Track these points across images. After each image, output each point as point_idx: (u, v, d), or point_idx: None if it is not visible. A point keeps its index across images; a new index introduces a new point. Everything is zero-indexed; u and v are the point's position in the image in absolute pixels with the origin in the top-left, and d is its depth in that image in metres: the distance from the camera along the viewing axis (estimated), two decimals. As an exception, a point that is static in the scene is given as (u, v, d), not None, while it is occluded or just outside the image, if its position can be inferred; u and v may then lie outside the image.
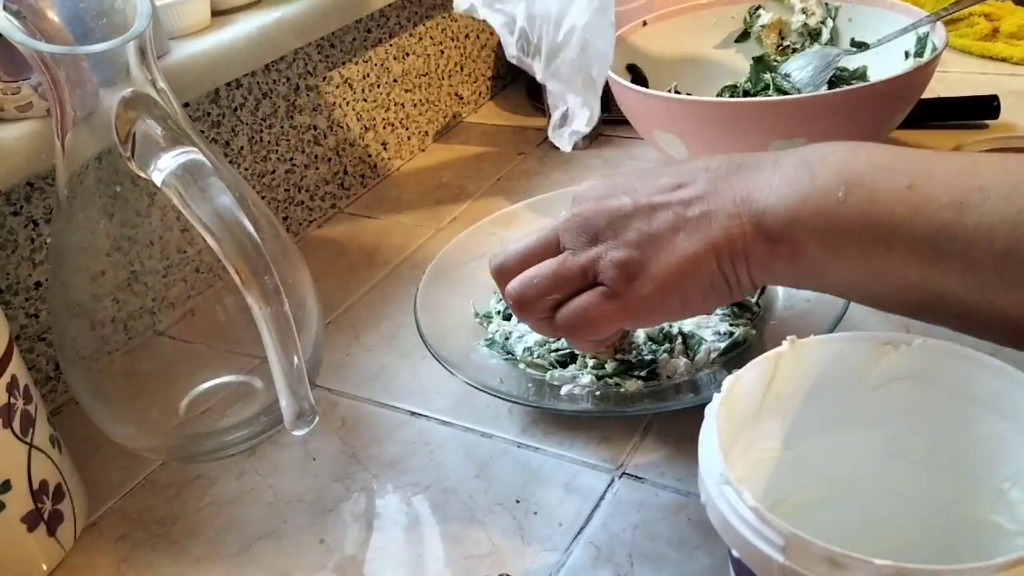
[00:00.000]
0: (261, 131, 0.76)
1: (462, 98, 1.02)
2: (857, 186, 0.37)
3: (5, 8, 0.45)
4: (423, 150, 0.96)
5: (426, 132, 0.97)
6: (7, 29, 0.45)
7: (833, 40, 0.84)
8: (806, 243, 0.39)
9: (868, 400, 0.39)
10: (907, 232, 0.36)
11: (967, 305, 0.37)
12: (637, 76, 0.83)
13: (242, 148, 0.75)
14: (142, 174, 0.47)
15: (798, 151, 0.41)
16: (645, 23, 0.83)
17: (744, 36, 0.87)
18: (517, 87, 1.09)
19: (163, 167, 0.45)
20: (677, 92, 0.84)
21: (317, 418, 0.50)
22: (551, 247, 0.46)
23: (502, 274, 0.48)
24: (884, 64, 0.78)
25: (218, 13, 0.71)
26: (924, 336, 0.37)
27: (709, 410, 0.36)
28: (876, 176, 0.37)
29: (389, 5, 0.86)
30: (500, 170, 0.89)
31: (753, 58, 0.81)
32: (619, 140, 0.91)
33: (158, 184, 0.45)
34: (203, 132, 0.71)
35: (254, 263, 0.44)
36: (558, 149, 0.91)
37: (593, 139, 0.92)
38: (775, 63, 0.82)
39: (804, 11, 0.84)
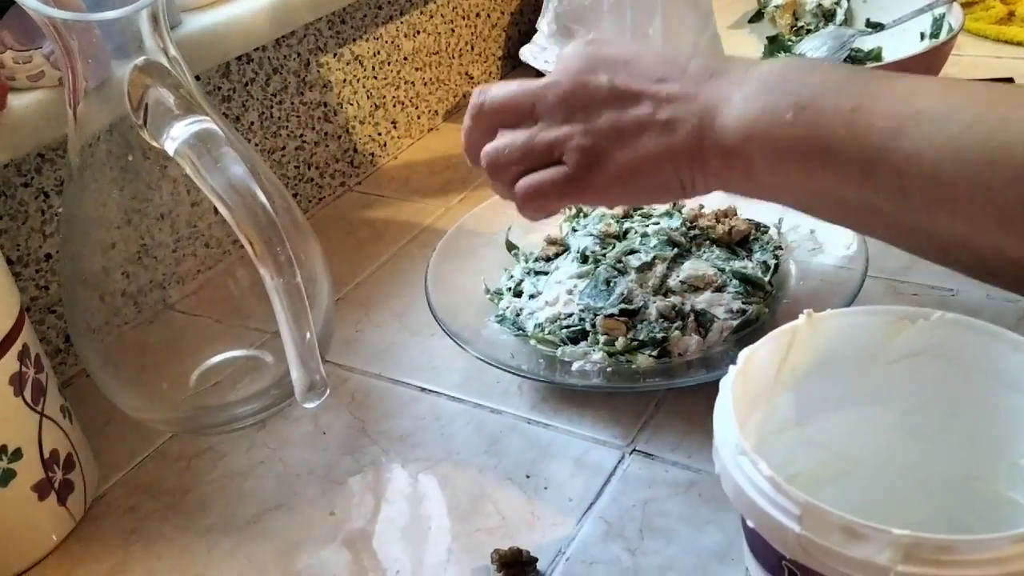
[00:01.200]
0: (271, 107, 0.76)
1: (472, 77, 1.01)
2: (805, 107, 0.39)
3: (18, -25, 0.45)
4: (433, 129, 0.96)
5: (436, 111, 0.96)
6: (20, -5, 0.45)
7: (848, 20, 0.83)
8: (757, 160, 0.40)
9: (883, 375, 0.39)
10: (844, 154, 0.38)
11: (902, 225, 0.40)
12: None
13: (252, 124, 0.74)
14: (155, 143, 0.46)
15: (764, 65, 0.42)
16: None
17: (758, 16, 0.86)
18: (527, 68, 1.08)
19: (176, 136, 0.45)
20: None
21: (328, 391, 0.50)
22: (526, 106, 0.47)
23: (479, 112, 0.50)
24: (899, 45, 0.78)
25: (229, -14, 0.70)
26: (942, 311, 0.37)
27: (724, 382, 0.36)
28: (824, 97, 0.39)
29: (401, -19, 0.86)
30: (510, 150, 0.88)
31: (767, 38, 0.81)
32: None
33: (171, 153, 0.45)
34: (213, 107, 0.70)
35: (267, 234, 0.44)
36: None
37: (604, 119, 0.91)
38: (789, 43, 0.81)
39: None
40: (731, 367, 0.36)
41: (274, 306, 0.46)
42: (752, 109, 0.40)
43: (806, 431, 0.40)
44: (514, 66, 1.09)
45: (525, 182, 0.47)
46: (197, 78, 0.68)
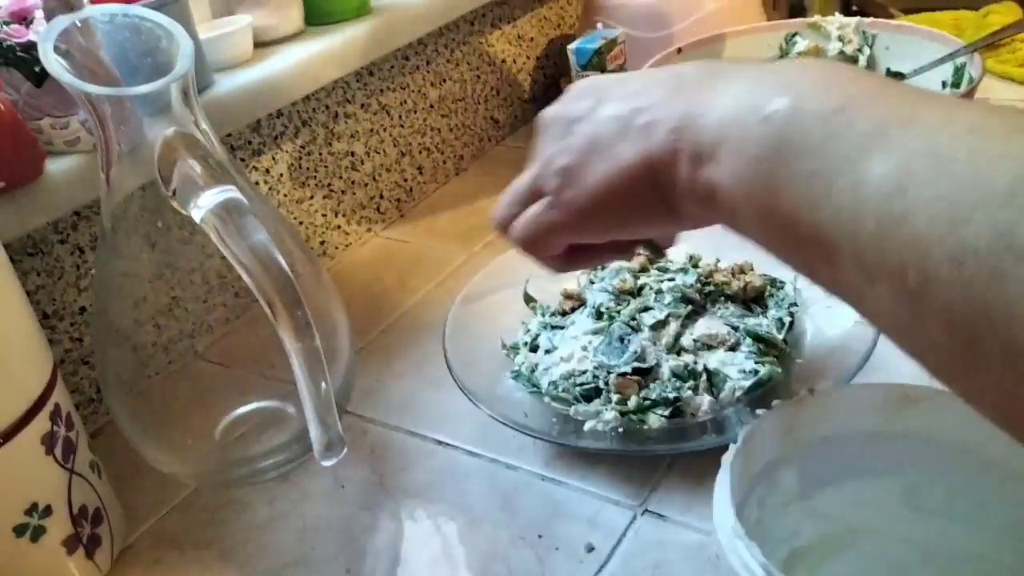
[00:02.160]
0: (300, 158, 0.78)
1: (498, 122, 1.03)
2: (784, 106, 0.31)
3: (55, 49, 0.47)
4: (458, 174, 0.98)
5: (461, 156, 0.98)
6: (56, 71, 0.47)
7: (870, 68, 0.83)
8: (726, 172, 0.33)
9: (888, 449, 0.39)
10: (808, 164, 0.29)
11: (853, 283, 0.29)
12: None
13: (281, 175, 0.77)
14: (183, 211, 0.48)
15: (778, 63, 0.36)
16: (680, 50, 0.83)
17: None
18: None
19: (202, 205, 0.47)
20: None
21: (345, 449, 0.51)
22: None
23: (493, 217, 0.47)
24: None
25: (260, 45, 0.73)
26: (943, 389, 0.37)
27: (724, 460, 0.36)
28: (811, 98, 0.31)
29: (428, 33, 0.88)
30: (534, 195, 0.90)
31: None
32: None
33: (197, 221, 0.47)
34: (243, 160, 0.73)
35: (287, 299, 0.46)
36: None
37: (627, 165, 0.92)
38: None
39: (841, 39, 0.84)
40: (731, 445, 0.37)
41: (293, 368, 0.48)
42: (732, 106, 0.33)
43: (810, 504, 0.41)
44: (539, 109, 1.10)
45: (515, 224, 0.44)
46: (228, 134, 0.71)
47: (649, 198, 0.37)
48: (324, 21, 0.76)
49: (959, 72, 0.75)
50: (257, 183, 0.74)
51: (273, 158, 0.75)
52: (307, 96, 0.77)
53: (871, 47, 0.83)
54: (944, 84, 0.77)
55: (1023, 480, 0.36)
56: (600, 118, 0.38)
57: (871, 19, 0.83)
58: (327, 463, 0.51)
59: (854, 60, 0.84)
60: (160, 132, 0.49)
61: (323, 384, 0.49)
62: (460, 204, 0.92)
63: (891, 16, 1.15)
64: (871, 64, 0.83)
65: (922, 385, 0.37)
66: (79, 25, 0.51)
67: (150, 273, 0.63)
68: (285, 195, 0.77)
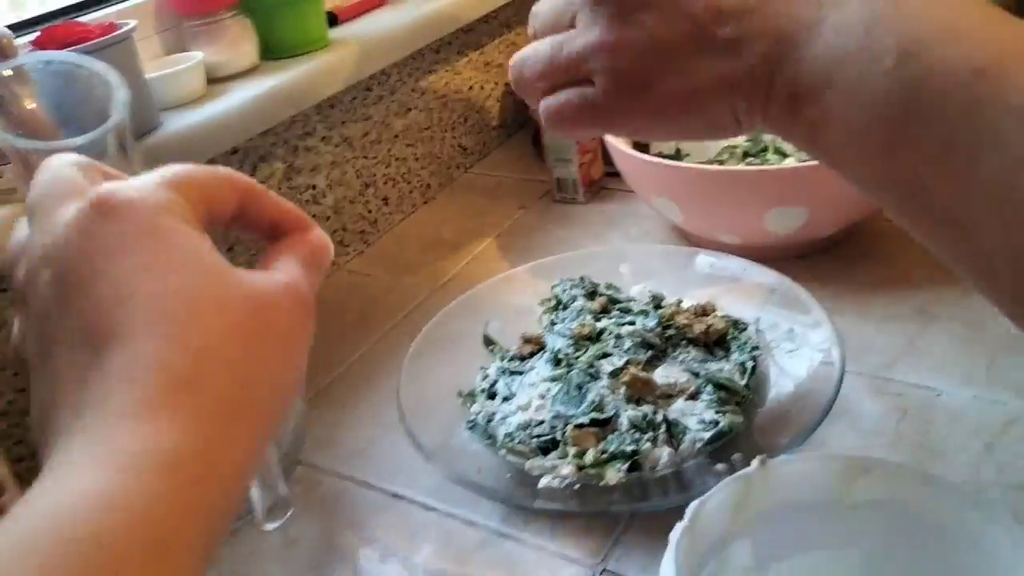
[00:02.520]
0: (257, 194, 0.76)
1: (466, 149, 1.01)
2: (912, 55, 0.28)
3: (-15, 100, 0.46)
4: (426, 203, 0.96)
5: (428, 185, 0.96)
6: (-17, 124, 0.45)
7: None
8: (834, 117, 0.30)
9: (844, 520, 0.38)
10: (949, 136, 0.27)
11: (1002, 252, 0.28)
12: (637, 136, 0.82)
13: (237, 212, 0.75)
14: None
15: None
16: None
17: None
18: (523, 136, 1.08)
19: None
20: (677, 150, 0.83)
21: (291, 511, 0.49)
22: (568, 14, 0.37)
23: (532, 16, 0.40)
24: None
25: (214, 81, 0.71)
26: (899, 462, 0.36)
27: (672, 537, 0.35)
28: (942, 49, 0.27)
29: (393, 64, 0.86)
30: (500, 225, 0.88)
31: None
32: (622, 194, 0.90)
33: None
34: (197, 199, 0.71)
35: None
36: (559, 203, 0.90)
37: (595, 193, 0.91)
38: None
39: None
40: (678, 524, 0.35)
41: (232, 432, 0.46)
42: (842, 45, 0.30)
43: None
44: (510, 135, 1.09)
45: (546, 105, 0.38)
46: (179, 173, 0.69)
47: (723, 120, 0.34)
48: (280, 56, 0.74)
49: None
50: (212, 222, 0.72)
51: (228, 196, 0.73)
52: (264, 131, 0.75)
53: None
54: None
55: (977, 558, 0.34)
56: (671, 14, 0.33)
57: None
58: (270, 527, 0.49)
59: None
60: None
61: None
62: (428, 233, 0.90)
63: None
64: None
65: (874, 456, 0.36)
66: (11, 74, 0.49)
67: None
68: (242, 233, 0.75)
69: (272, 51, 0.74)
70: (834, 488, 0.37)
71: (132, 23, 0.61)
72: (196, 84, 0.68)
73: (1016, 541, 0.32)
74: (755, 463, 0.37)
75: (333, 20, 0.82)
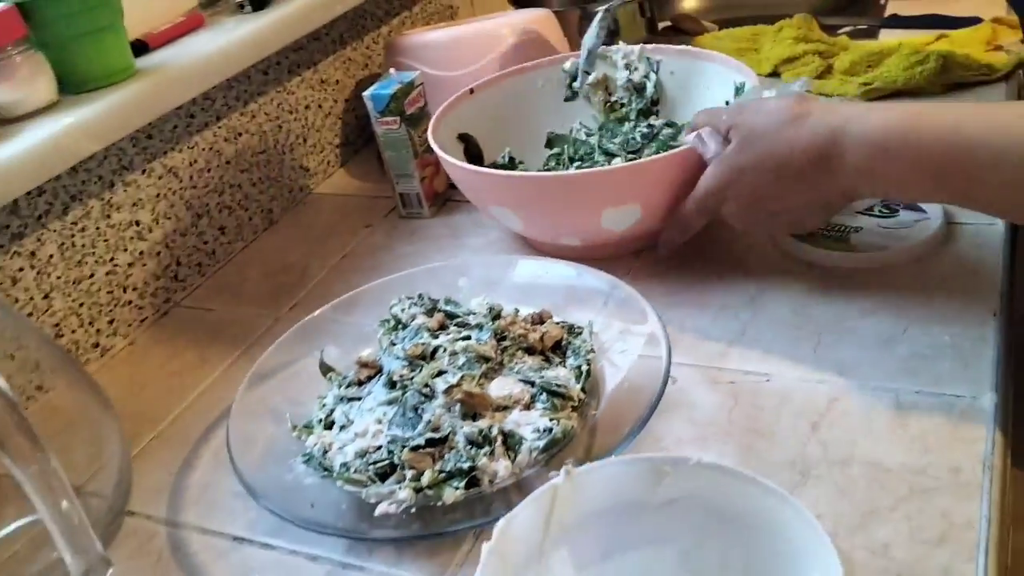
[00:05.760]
0: (73, 235, 0.72)
1: (308, 170, 0.99)
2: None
3: None
4: (267, 229, 0.93)
5: (270, 210, 0.93)
6: None
7: (658, 93, 0.84)
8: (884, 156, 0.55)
9: (655, 519, 0.38)
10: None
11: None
12: (469, 145, 0.82)
13: (51, 256, 0.70)
14: None
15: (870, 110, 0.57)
16: (472, 91, 0.82)
17: (573, 96, 0.87)
18: (369, 151, 1.06)
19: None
20: (511, 159, 0.84)
21: (111, 570, 0.46)
22: None
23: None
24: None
25: (8, 121, 0.66)
26: (698, 457, 0.36)
27: (481, 560, 0.34)
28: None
29: (214, 87, 0.83)
30: (346, 246, 0.86)
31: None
32: (466, 205, 0.89)
33: None
34: (2, 246, 0.66)
35: (3, 424, 0.41)
36: (405, 219, 0.89)
37: (440, 207, 0.90)
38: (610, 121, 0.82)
39: (628, 66, 0.84)
40: (484, 545, 0.34)
41: (29, 496, 0.43)
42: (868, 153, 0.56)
43: (589, 582, 0.39)
44: (356, 151, 1.07)
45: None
46: (-22, 220, 0.64)
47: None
48: (82, 89, 0.70)
49: (740, 90, 0.77)
50: (21, 268, 0.68)
51: (39, 239, 0.69)
52: (74, 169, 0.71)
53: (656, 73, 0.84)
54: (728, 103, 0.79)
55: (781, 543, 0.35)
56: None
57: (654, 45, 0.84)
58: (86, 591, 0.46)
59: (642, 87, 0.85)
60: None
61: (68, 505, 0.44)
62: (271, 260, 0.87)
63: (704, 30, 1.18)
64: (659, 89, 0.85)
65: (672, 456, 0.36)
66: None
67: None
68: (59, 277, 0.71)
69: (71, 86, 0.70)
70: (640, 490, 0.37)
71: (-101, 64, 0.56)
72: (-16, 126, 0.63)
73: (805, 522, 0.33)
74: (561, 473, 0.36)
75: (143, 48, 0.78)
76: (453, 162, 0.72)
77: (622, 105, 0.84)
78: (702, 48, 0.92)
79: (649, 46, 0.84)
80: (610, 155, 0.78)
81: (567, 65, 0.86)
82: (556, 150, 0.81)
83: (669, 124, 0.81)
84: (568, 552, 0.38)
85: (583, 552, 0.38)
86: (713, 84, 0.79)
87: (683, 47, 0.83)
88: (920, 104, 0.60)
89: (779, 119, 0.59)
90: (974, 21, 1.05)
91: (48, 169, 0.64)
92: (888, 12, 1.15)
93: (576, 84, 0.86)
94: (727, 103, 0.78)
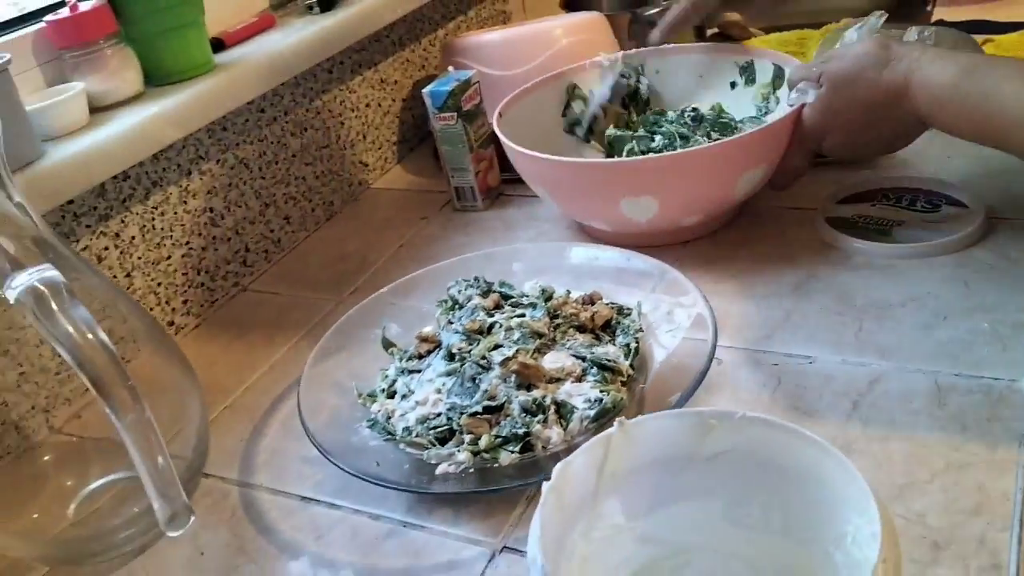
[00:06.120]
0: (153, 219, 0.77)
1: (367, 165, 1.03)
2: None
3: None
4: (328, 220, 0.97)
5: (331, 202, 0.98)
6: None
7: (651, 93, 0.91)
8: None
9: (702, 471, 0.41)
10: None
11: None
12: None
13: (133, 238, 0.75)
14: (-2, 292, 0.47)
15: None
16: (501, 115, 0.84)
17: (568, 108, 0.91)
18: (425, 148, 1.11)
19: (16, 286, 0.46)
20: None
21: (193, 518, 0.50)
22: None
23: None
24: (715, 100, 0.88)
25: (98, 110, 0.71)
26: (744, 411, 0.39)
27: (541, 498, 0.37)
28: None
29: (283, 84, 0.88)
30: (403, 236, 0.90)
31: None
32: (519, 199, 0.93)
33: (11, 302, 0.46)
34: (89, 227, 0.71)
35: (107, 375, 0.45)
36: (460, 212, 0.93)
37: (494, 199, 0.94)
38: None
39: (623, 75, 0.90)
40: (544, 483, 0.37)
41: (125, 443, 0.47)
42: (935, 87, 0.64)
43: (638, 530, 0.42)
44: (411, 148, 1.11)
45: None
46: (70, 202, 0.69)
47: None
48: (165, 82, 0.75)
49: (747, 70, 0.86)
50: (107, 248, 0.73)
51: (123, 221, 0.74)
52: (156, 156, 0.76)
53: (643, 74, 0.91)
54: (733, 84, 0.88)
55: (823, 492, 0.37)
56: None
57: (635, 50, 0.91)
58: (173, 534, 0.50)
59: (636, 91, 0.91)
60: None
61: (159, 457, 0.48)
62: (331, 249, 0.91)
63: (750, 36, 1.20)
64: (651, 90, 0.91)
65: (719, 409, 0.39)
66: None
67: (-9, 351, 0.61)
68: (140, 258, 0.76)
69: (156, 78, 0.75)
70: (688, 443, 0.40)
71: (6, 55, 0.62)
72: (78, 114, 0.68)
73: (846, 472, 0.36)
74: (615, 424, 0.39)
75: (220, 45, 0.83)
76: (508, 144, 0.76)
77: (628, 119, 0.89)
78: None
79: (631, 52, 0.91)
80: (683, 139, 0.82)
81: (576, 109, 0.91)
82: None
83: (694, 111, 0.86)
84: (619, 501, 0.41)
85: (633, 502, 0.41)
86: (709, 72, 0.88)
87: (664, 47, 0.89)
88: (978, 59, 0.64)
89: (863, 64, 0.67)
90: (1020, 26, 1.06)
91: (134, 154, 0.68)
92: (935, 18, 1.16)
93: (579, 131, 0.91)
94: (732, 84, 0.87)
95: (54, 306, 0.45)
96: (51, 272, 0.46)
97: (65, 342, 0.45)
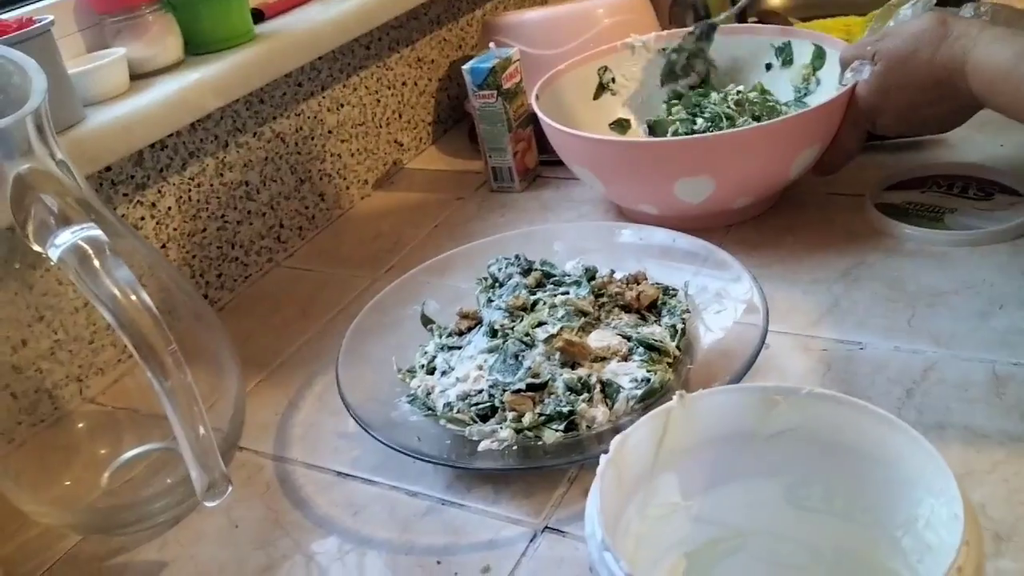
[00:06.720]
0: (190, 190, 0.76)
1: (402, 144, 1.02)
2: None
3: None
4: (363, 199, 0.96)
5: (365, 180, 0.97)
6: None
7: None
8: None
9: (763, 450, 0.39)
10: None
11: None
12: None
13: (170, 208, 0.74)
14: (40, 250, 0.46)
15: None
16: (538, 96, 0.83)
17: (601, 89, 0.89)
18: (459, 130, 1.09)
19: (59, 244, 0.45)
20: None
21: (230, 488, 0.49)
22: None
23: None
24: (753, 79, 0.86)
25: (138, 77, 0.71)
26: (810, 387, 0.37)
27: (598, 472, 0.36)
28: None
29: (320, 58, 0.87)
30: (439, 216, 0.89)
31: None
32: (556, 181, 0.92)
33: (53, 260, 0.45)
34: (126, 195, 0.71)
35: (151, 338, 0.44)
36: (496, 193, 0.91)
37: (531, 181, 0.92)
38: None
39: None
40: (602, 456, 0.36)
41: (165, 409, 0.46)
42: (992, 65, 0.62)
43: (694, 509, 0.40)
44: (446, 130, 1.10)
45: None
46: (108, 169, 0.68)
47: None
48: (205, 50, 0.74)
49: (783, 51, 0.85)
50: (143, 218, 0.72)
51: (159, 191, 0.73)
52: (193, 126, 0.75)
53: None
54: (769, 66, 0.86)
55: (891, 474, 0.36)
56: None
57: (668, 31, 0.90)
58: (210, 504, 0.49)
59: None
60: (11, 174, 0.47)
61: (198, 422, 0.47)
62: (366, 227, 0.90)
63: (789, 23, 1.18)
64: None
65: (785, 385, 0.37)
66: (-75, 63, 0.49)
67: (28, 316, 0.60)
68: (175, 229, 0.75)
69: (197, 46, 0.74)
70: (750, 419, 0.38)
71: (50, 17, 0.61)
72: (119, 79, 0.68)
73: (921, 451, 0.34)
74: (675, 398, 0.38)
75: (259, 16, 0.82)
76: (550, 123, 0.74)
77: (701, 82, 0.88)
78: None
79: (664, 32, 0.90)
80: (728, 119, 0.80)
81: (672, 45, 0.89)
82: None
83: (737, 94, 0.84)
84: (676, 478, 0.39)
85: (690, 479, 0.39)
86: (744, 53, 0.87)
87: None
88: None
89: (919, 42, 0.65)
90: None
91: (175, 121, 0.68)
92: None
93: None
94: (767, 66, 0.86)
95: (97, 265, 0.44)
96: (95, 231, 0.45)
97: (108, 302, 0.44)
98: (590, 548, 0.33)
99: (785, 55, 0.85)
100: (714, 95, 0.84)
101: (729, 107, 0.80)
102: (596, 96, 0.89)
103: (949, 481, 0.32)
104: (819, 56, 0.82)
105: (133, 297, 0.44)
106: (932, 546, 0.34)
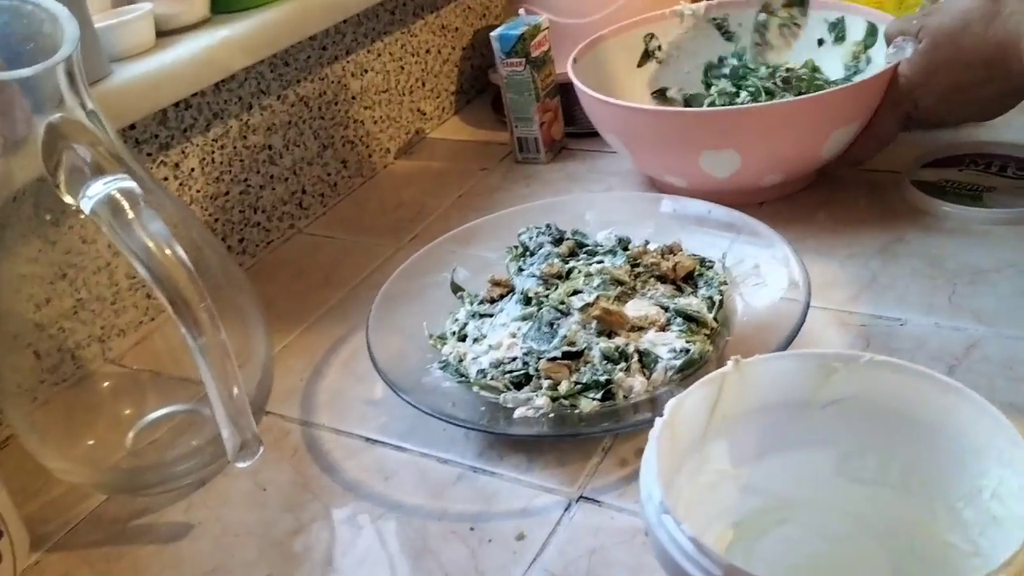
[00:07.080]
0: (213, 152, 0.75)
1: (425, 114, 1.01)
2: None
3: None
4: (385, 167, 0.95)
5: (388, 149, 0.95)
6: (-73, 55, 0.44)
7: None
8: None
9: (817, 419, 0.38)
10: None
11: None
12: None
13: (193, 170, 0.73)
14: (71, 201, 0.45)
15: None
16: (576, 60, 0.81)
17: (646, 57, 0.87)
18: (482, 101, 1.08)
19: (91, 195, 0.44)
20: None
21: (262, 449, 0.48)
22: None
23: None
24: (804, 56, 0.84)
25: (164, 34, 0.69)
26: (871, 354, 0.36)
27: (651, 435, 0.35)
28: None
29: (344, 22, 0.85)
30: (462, 186, 0.88)
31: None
32: (582, 154, 0.90)
33: (86, 212, 0.44)
34: (150, 155, 0.69)
35: (187, 292, 0.43)
36: (521, 164, 0.90)
37: (557, 153, 0.91)
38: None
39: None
40: (657, 419, 0.35)
41: (198, 365, 0.45)
42: None
43: (743, 478, 0.39)
44: (468, 100, 1.08)
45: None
46: (132, 127, 0.67)
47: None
48: (232, 8, 0.73)
49: (837, 26, 0.82)
50: (166, 178, 0.71)
51: (183, 152, 0.72)
52: (218, 87, 0.73)
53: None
54: (820, 41, 0.83)
55: (956, 444, 0.35)
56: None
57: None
58: (241, 465, 0.48)
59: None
60: (43, 123, 0.46)
61: (232, 380, 0.46)
62: (389, 196, 0.89)
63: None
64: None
65: (844, 352, 0.36)
66: (-46, 9, 0.48)
67: (51, 274, 0.59)
68: (198, 191, 0.74)
69: (223, 4, 0.73)
70: (806, 387, 0.37)
71: (79, -34, 0.59)
72: (145, 35, 0.66)
73: (989, 417, 0.33)
74: (730, 363, 0.37)
75: (286, -24, 0.80)
76: (583, 89, 0.73)
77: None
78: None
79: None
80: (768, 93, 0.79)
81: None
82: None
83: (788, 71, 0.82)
84: (727, 445, 0.38)
85: (741, 447, 0.38)
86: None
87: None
88: None
89: (969, 18, 0.62)
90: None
91: (201, 79, 0.66)
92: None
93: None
94: (819, 42, 0.83)
95: (131, 216, 0.43)
96: (129, 182, 0.44)
97: (142, 255, 0.43)
98: (647, 512, 0.32)
99: (838, 31, 0.82)
100: (763, 69, 0.82)
101: (775, 83, 0.78)
102: (641, 63, 0.87)
103: (1021, 451, 0.31)
104: (871, 33, 0.79)
105: (168, 251, 0.43)
106: (998, 517, 0.33)
